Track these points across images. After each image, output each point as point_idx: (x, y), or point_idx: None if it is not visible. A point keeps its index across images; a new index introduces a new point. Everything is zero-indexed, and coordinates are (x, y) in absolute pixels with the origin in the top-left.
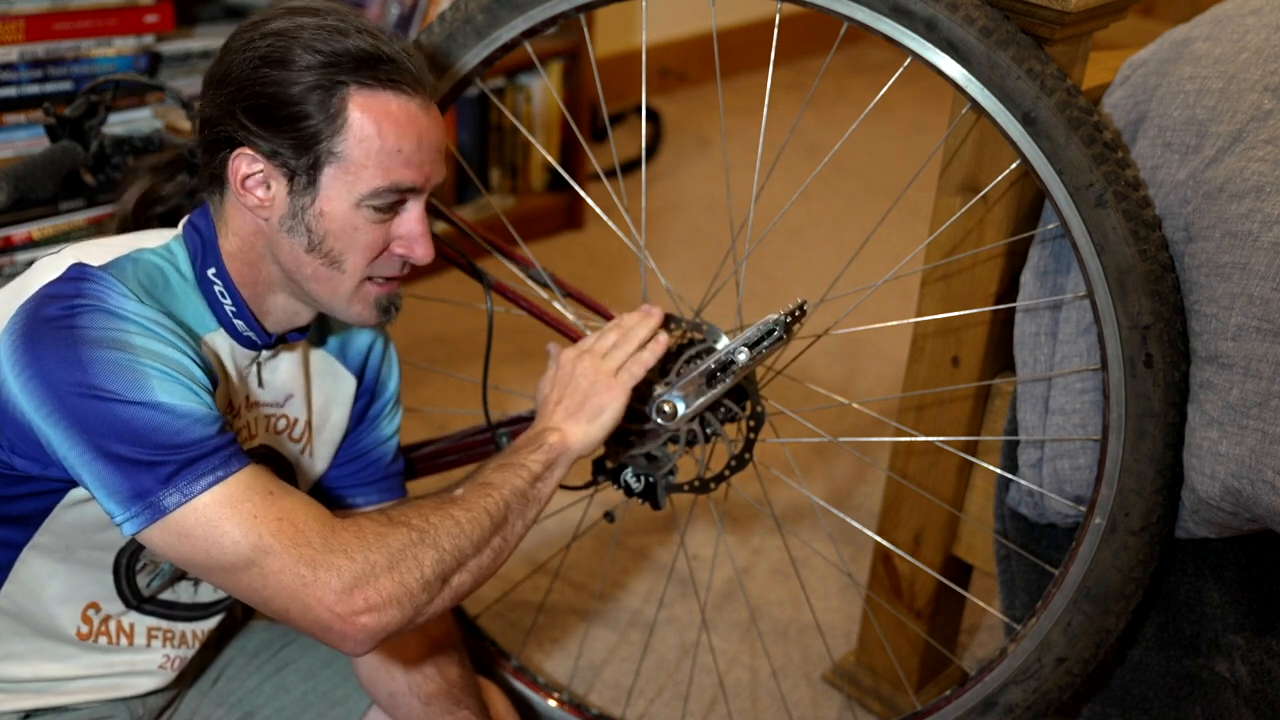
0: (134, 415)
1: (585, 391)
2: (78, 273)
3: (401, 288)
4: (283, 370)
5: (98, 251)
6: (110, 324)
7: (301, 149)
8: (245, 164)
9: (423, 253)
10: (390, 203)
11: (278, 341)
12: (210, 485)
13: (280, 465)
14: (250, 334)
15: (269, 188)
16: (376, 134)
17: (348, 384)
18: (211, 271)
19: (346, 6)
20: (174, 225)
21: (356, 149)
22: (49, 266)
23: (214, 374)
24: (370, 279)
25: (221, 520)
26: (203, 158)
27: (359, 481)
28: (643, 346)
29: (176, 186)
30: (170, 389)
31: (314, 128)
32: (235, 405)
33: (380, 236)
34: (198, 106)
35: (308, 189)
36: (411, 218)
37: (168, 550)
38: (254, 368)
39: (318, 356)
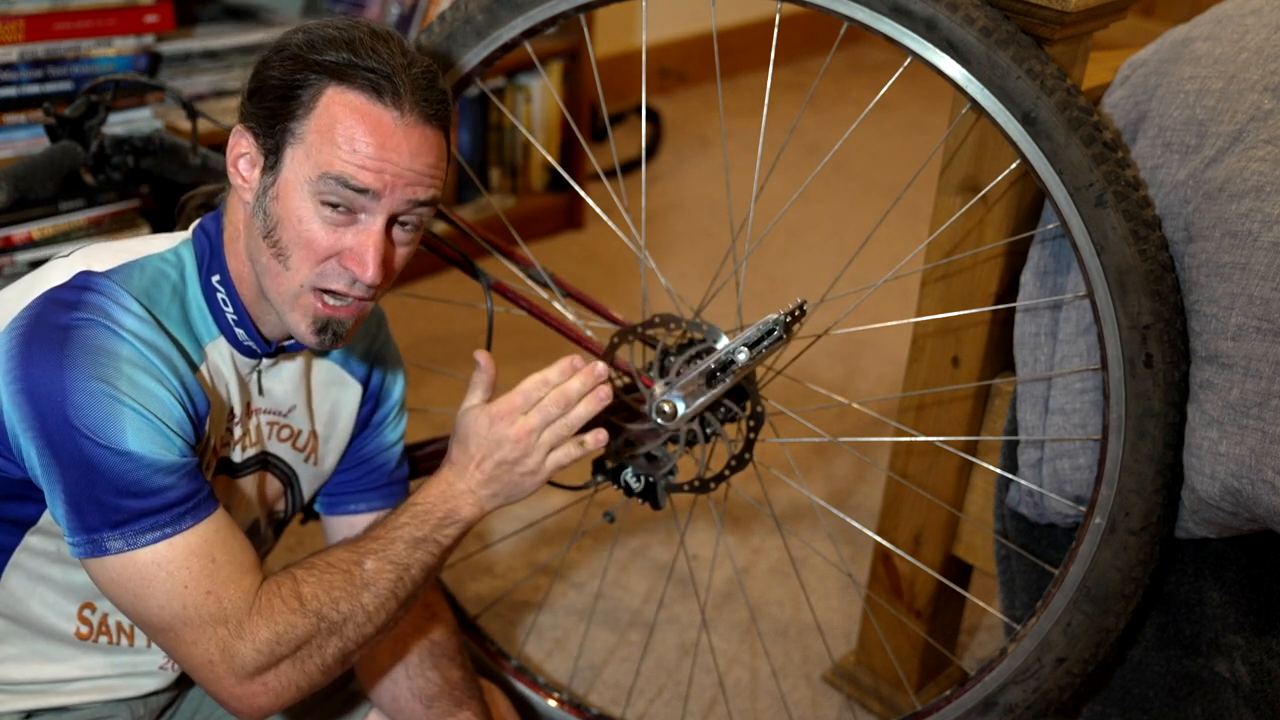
0: (101, 458)
1: (511, 471)
2: (83, 281)
3: (349, 318)
4: (284, 380)
5: (107, 255)
6: (105, 343)
7: (275, 129)
8: (238, 141)
9: (367, 272)
10: (338, 199)
11: (277, 350)
12: (155, 541)
13: (279, 471)
14: (250, 343)
15: (252, 167)
16: (336, 123)
17: (353, 391)
18: (216, 279)
19: (395, 36)
20: None
21: (313, 134)
22: (58, 269)
23: (205, 400)
24: (317, 290)
25: (153, 581)
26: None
27: (361, 488)
28: (576, 427)
29: None
30: (142, 434)
31: (287, 110)
32: (236, 413)
33: (326, 239)
34: None
35: (273, 169)
36: (365, 230)
37: (100, 586)
38: (254, 375)
39: (321, 366)
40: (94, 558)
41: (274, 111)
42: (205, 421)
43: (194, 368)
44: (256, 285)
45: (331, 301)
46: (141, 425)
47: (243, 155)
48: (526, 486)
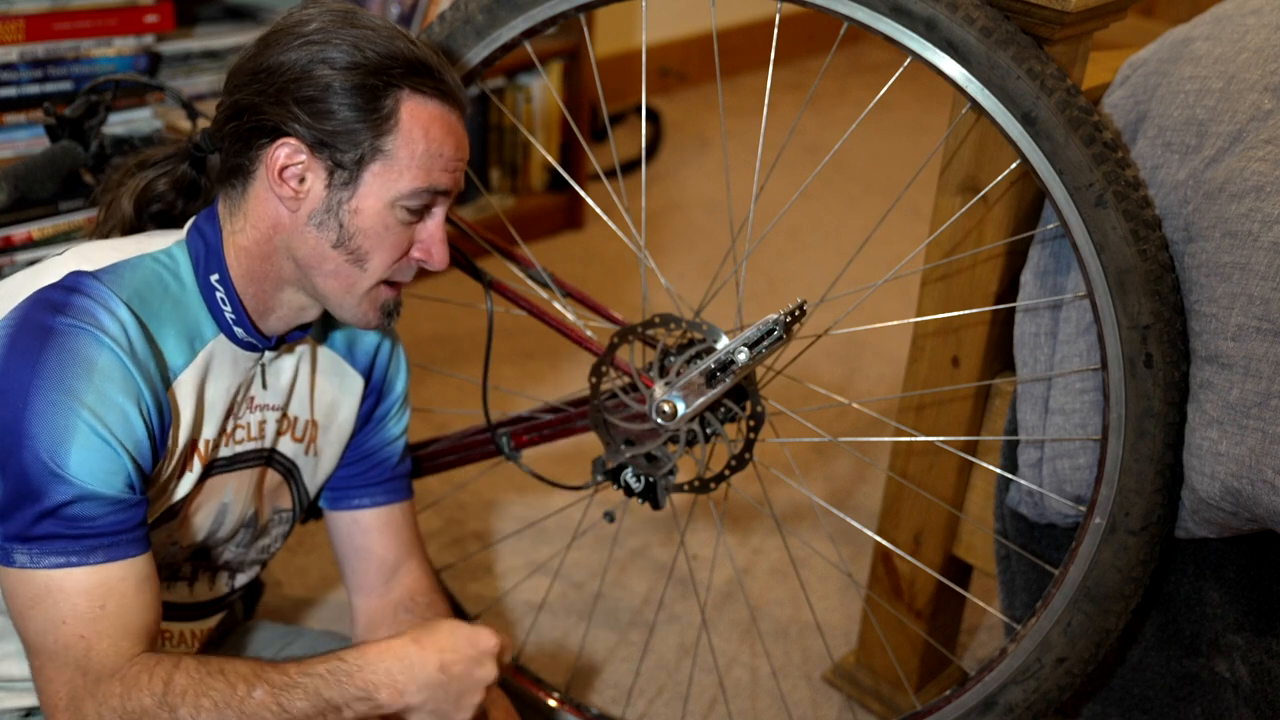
0: (38, 471)
1: (459, 698)
2: (73, 282)
3: (402, 294)
4: (286, 370)
5: (100, 254)
6: (84, 351)
7: (351, 144)
8: (287, 154)
9: (439, 258)
10: (422, 205)
11: (279, 343)
12: (57, 565)
13: (279, 464)
14: (250, 339)
15: (305, 180)
16: (424, 137)
17: (355, 383)
18: (214, 278)
19: (412, 36)
20: (169, 222)
21: (404, 150)
22: (51, 268)
23: (171, 417)
24: (384, 282)
25: (39, 604)
26: (230, 146)
27: (365, 482)
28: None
29: (174, 181)
30: (88, 454)
31: (365, 124)
32: (235, 408)
33: (406, 239)
34: (228, 96)
35: (347, 184)
36: (435, 223)
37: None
38: (257, 370)
39: (324, 355)
40: (0, 564)
41: (349, 128)
42: (168, 435)
43: (168, 381)
44: (281, 277)
45: (395, 287)
46: (93, 446)
47: (290, 167)
48: (453, 715)
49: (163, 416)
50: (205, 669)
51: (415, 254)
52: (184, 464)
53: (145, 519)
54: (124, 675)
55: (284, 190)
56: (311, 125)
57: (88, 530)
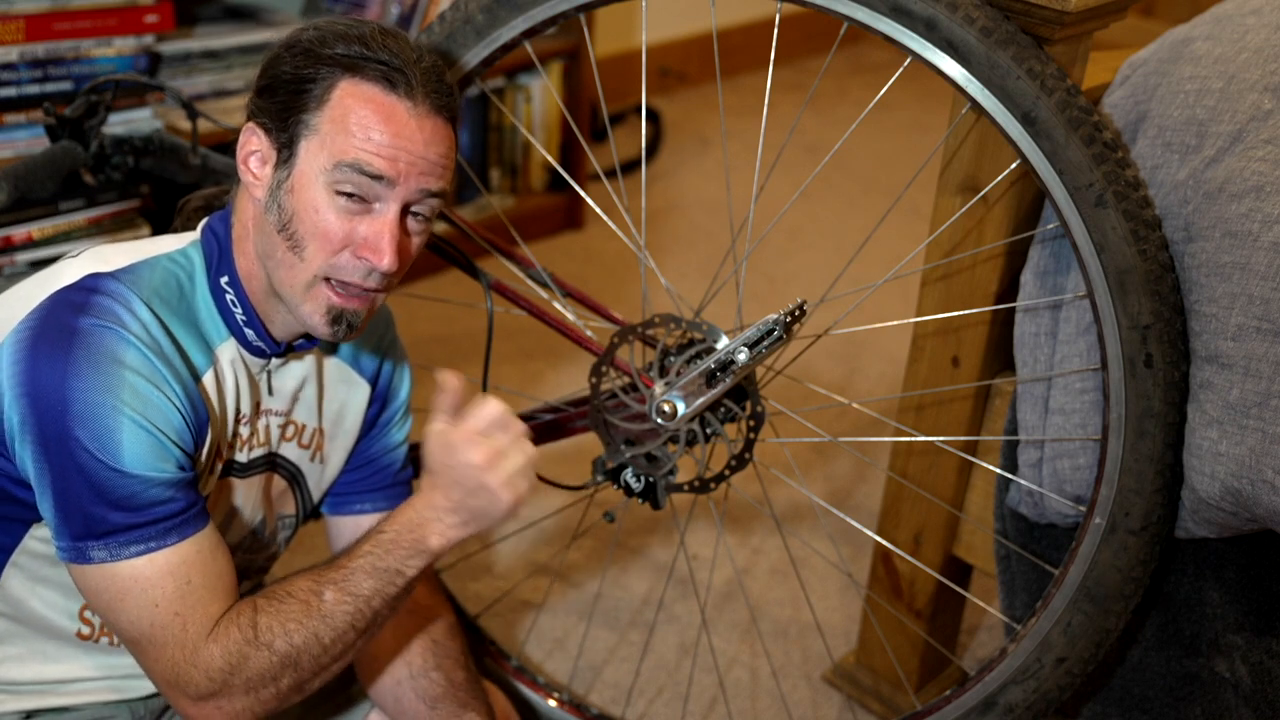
0: (95, 470)
1: (476, 495)
2: (92, 283)
3: (362, 308)
4: (294, 378)
5: (116, 256)
6: (111, 349)
7: (289, 121)
8: (249, 139)
9: (383, 260)
10: (354, 187)
11: (287, 350)
12: (137, 554)
13: (285, 470)
14: (260, 344)
15: (263, 164)
16: (351, 112)
17: (362, 390)
18: (225, 280)
19: (403, 33)
20: None
21: (328, 124)
22: (68, 269)
23: (205, 410)
24: (330, 281)
25: (128, 595)
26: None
27: (366, 488)
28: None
29: None
30: (139, 447)
31: (301, 103)
32: (244, 414)
33: (341, 228)
34: None
35: (287, 162)
36: (379, 220)
37: (79, 589)
38: (264, 375)
39: (332, 364)
40: (76, 564)
41: (287, 105)
42: (205, 430)
43: (197, 377)
44: (266, 284)
45: (344, 292)
46: (140, 438)
47: (254, 153)
48: (494, 511)
49: (196, 412)
50: (276, 600)
51: (360, 252)
52: (209, 465)
53: (201, 492)
54: (217, 636)
55: (248, 176)
56: (263, 108)
57: (159, 515)
